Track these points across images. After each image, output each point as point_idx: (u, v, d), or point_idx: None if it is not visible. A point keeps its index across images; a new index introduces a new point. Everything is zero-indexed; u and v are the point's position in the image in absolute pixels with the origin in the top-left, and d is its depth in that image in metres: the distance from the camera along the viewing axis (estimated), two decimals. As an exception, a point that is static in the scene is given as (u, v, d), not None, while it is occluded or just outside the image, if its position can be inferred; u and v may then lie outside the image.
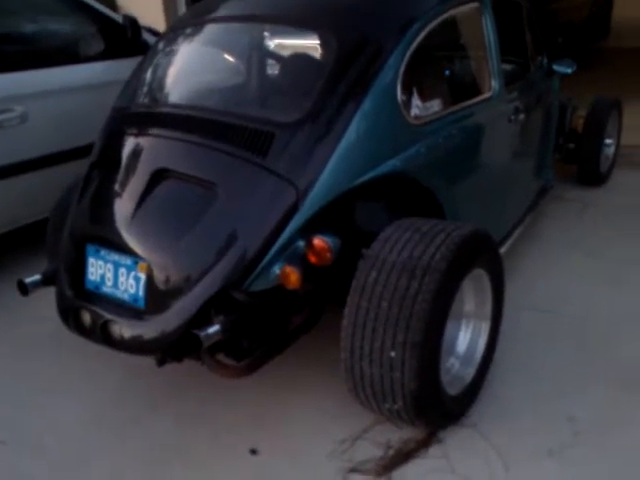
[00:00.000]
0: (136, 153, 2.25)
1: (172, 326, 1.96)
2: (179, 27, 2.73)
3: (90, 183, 2.35)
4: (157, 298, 2.02)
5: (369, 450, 2.08)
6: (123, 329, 2.02)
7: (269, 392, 2.37)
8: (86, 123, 3.15)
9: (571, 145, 4.24)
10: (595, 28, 9.22)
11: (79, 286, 2.18)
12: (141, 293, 2.04)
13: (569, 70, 3.64)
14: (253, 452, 2.11)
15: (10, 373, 2.60)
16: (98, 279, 2.15)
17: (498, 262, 2.23)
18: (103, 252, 2.15)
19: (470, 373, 2.21)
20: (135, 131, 2.33)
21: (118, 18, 3.75)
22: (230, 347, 2.05)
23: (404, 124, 2.27)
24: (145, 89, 2.56)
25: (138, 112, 2.44)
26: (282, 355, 2.16)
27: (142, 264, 2.04)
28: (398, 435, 2.13)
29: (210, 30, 2.67)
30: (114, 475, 2.05)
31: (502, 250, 2.86)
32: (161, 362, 2.07)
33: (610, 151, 4.43)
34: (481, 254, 2.08)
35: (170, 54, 2.68)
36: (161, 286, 2.01)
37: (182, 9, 5.60)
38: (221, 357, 2.06)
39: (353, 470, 2.01)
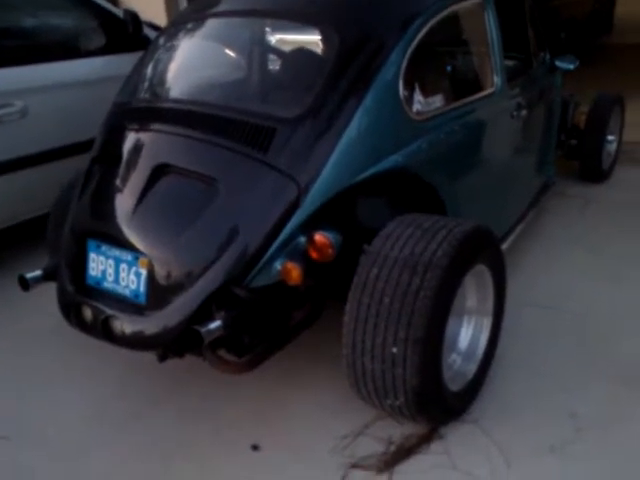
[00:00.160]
0: (137, 148, 2.24)
1: (173, 322, 1.96)
2: (180, 22, 2.72)
3: (91, 178, 2.34)
4: (158, 294, 2.01)
5: (371, 446, 2.08)
6: (124, 325, 2.01)
7: (270, 388, 2.37)
8: (86, 118, 3.14)
9: (573, 141, 4.23)
10: (598, 24, 9.18)
11: (80, 282, 2.18)
12: (142, 289, 2.04)
13: (571, 66, 3.63)
14: (255, 448, 2.11)
15: (12, 368, 2.60)
16: (99, 275, 2.14)
17: (500, 258, 2.23)
18: (104, 247, 2.14)
19: (472, 369, 2.21)
20: (136, 126, 2.32)
21: (119, 13, 3.75)
22: (231, 343, 2.04)
23: (406, 120, 2.27)
24: (146, 84, 2.55)
25: (139, 107, 2.44)
26: (283, 351, 2.16)
27: (143, 260, 2.04)
28: (400, 431, 2.13)
29: (211, 25, 2.66)
30: (115, 469, 2.05)
31: (504, 246, 2.85)
32: (162, 358, 2.07)
33: (612, 147, 4.42)
34: (483, 250, 2.08)
35: (171, 49, 2.67)
36: (162, 282, 2.01)
37: (183, 4, 5.59)
38: (222, 353, 2.06)
39: (355, 466, 2.01)
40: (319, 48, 2.46)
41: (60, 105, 3.34)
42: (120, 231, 2.11)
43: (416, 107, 2.36)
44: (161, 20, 4.85)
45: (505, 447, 2.05)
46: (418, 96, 2.39)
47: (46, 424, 2.26)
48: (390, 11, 2.35)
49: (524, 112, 3.04)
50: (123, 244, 2.09)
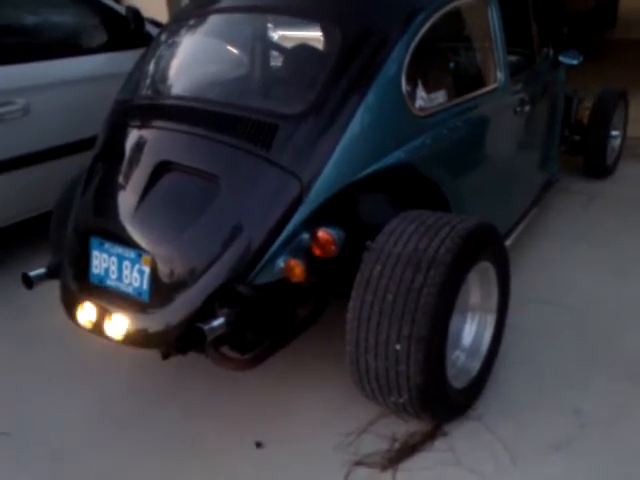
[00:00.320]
0: (139, 145, 2.24)
1: (176, 319, 1.95)
2: (182, 18, 2.71)
3: (93, 176, 2.34)
4: (161, 291, 2.01)
5: (375, 443, 2.08)
6: (127, 322, 2.01)
7: (274, 385, 2.37)
8: (89, 115, 3.13)
9: (577, 137, 4.21)
10: (602, 19, 9.15)
11: (83, 279, 2.18)
12: (145, 286, 2.03)
13: (575, 61, 3.62)
14: (258, 445, 2.11)
15: (15, 366, 2.60)
16: (102, 272, 2.14)
17: (504, 255, 2.22)
18: (107, 245, 2.14)
19: (476, 366, 2.21)
20: (138, 123, 2.32)
21: (121, 10, 3.74)
22: (234, 340, 2.04)
23: (409, 116, 2.26)
24: (148, 81, 2.54)
25: (141, 104, 2.43)
26: (287, 348, 2.15)
27: (146, 257, 2.03)
28: (404, 428, 2.12)
29: (213, 21, 2.65)
30: (118, 467, 2.05)
31: (508, 243, 2.85)
32: (166, 355, 2.07)
33: (616, 143, 4.40)
34: (486, 247, 2.07)
35: (173, 45, 2.66)
36: (165, 279, 2.01)
37: (185, 0, 5.58)
38: (226, 350, 2.06)
39: (359, 463, 2.00)
40: (321, 44, 2.46)
41: (62, 103, 3.33)
42: (123, 228, 2.11)
43: (419, 103, 2.35)
44: (163, 17, 4.84)
45: (510, 444, 2.04)
46: (421, 92, 2.38)
47: (48, 421, 2.26)
48: (393, 6, 2.34)
49: (527, 108, 3.03)
50: (126, 241, 2.09)
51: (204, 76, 2.61)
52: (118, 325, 2.02)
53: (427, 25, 2.31)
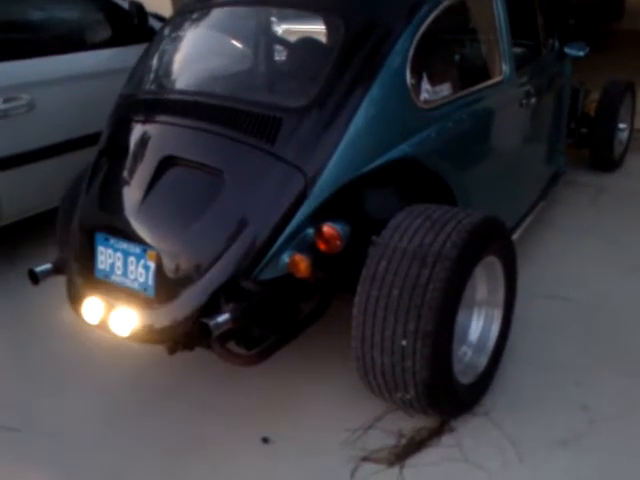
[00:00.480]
0: (143, 140, 2.23)
1: (182, 315, 1.95)
2: (185, 12, 2.70)
3: (98, 171, 2.34)
4: (166, 287, 2.00)
5: (381, 439, 2.07)
6: (133, 318, 2.01)
7: (280, 381, 2.36)
8: (94, 111, 3.12)
9: (583, 130, 4.19)
10: (608, 10, 9.08)
11: (89, 275, 2.18)
12: (151, 282, 2.03)
13: (581, 53, 3.58)
14: (265, 441, 2.10)
15: (24, 361, 2.60)
16: (108, 268, 2.14)
17: (510, 249, 2.20)
18: (112, 241, 2.13)
19: (483, 361, 2.19)
20: (142, 118, 2.31)
21: (124, 5, 3.72)
22: (240, 335, 2.04)
23: (413, 109, 2.24)
24: (152, 76, 2.53)
25: (145, 99, 2.42)
26: (293, 343, 2.14)
27: (151, 252, 2.03)
28: (410, 424, 2.12)
29: (216, 15, 2.64)
30: (126, 463, 2.05)
31: (514, 237, 2.82)
32: (172, 350, 2.06)
33: (624, 135, 4.37)
34: (493, 241, 2.05)
35: (176, 40, 2.65)
36: (170, 275, 2.00)
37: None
38: (232, 345, 2.05)
39: (365, 459, 2.00)
40: (325, 37, 2.44)
41: (67, 98, 3.32)
42: (128, 224, 2.10)
43: (424, 96, 2.33)
44: (166, 11, 4.82)
45: (517, 440, 2.03)
46: (426, 84, 2.36)
47: (57, 417, 2.26)
48: (397, -2, 2.32)
49: (533, 100, 3.00)
50: (131, 237, 2.09)
51: (208, 70, 2.60)
52: (123, 321, 2.01)
53: (431, 17, 2.29)
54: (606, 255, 3.17)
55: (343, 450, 2.04)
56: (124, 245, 2.10)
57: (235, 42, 2.89)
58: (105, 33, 3.64)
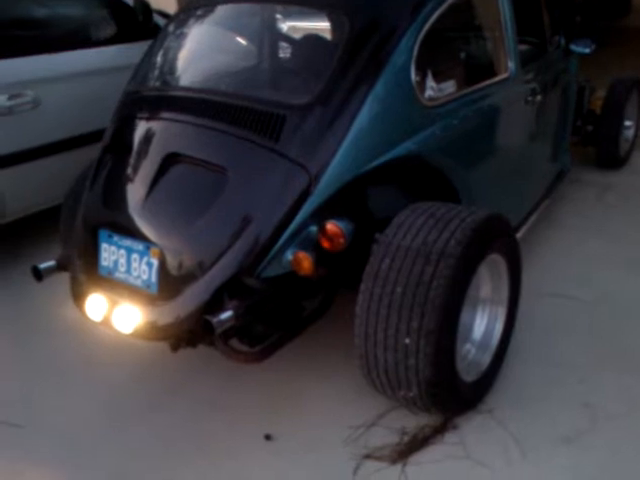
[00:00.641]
0: (147, 137, 2.23)
1: (185, 312, 1.95)
2: (189, 9, 2.69)
3: (102, 168, 2.34)
4: (170, 284, 2.01)
5: (384, 436, 2.07)
6: (136, 315, 2.01)
7: (283, 378, 2.36)
8: (99, 108, 3.13)
9: (589, 127, 4.16)
10: (615, 7, 9.02)
11: (92, 272, 2.18)
12: (154, 279, 2.03)
13: (587, 50, 3.57)
14: (267, 438, 2.11)
15: (27, 358, 2.61)
16: (111, 265, 2.14)
17: (515, 247, 2.19)
18: (116, 238, 2.14)
19: (486, 359, 2.19)
20: (146, 115, 2.31)
21: (129, 1, 3.72)
22: (244, 332, 2.04)
23: (418, 106, 2.23)
24: (156, 72, 2.53)
25: (149, 96, 2.42)
26: (296, 340, 2.14)
27: (154, 249, 2.03)
28: (413, 421, 2.11)
29: (221, 11, 2.63)
30: (129, 460, 2.06)
31: (519, 235, 2.82)
32: (175, 348, 2.07)
33: (630, 133, 4.35)
34: (497, 239, 2.05)
35: (180, 36, 2.65)
36: (174, 272, 2.00)
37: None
38: (235, 342, 2.05)
39: (368, 456, 2.00)
40: (330, 34, 2.43)
41: (72, 95, 3.33)
42: (131, 221, 2.10)
43: (428, 93, 2.32)
44: (171, 8, 4.81)
45: (520, 437, 2.03)
46: (430, 82, 2.35)
47: (59, 415, 2.27)
48: (401, -5, 2.31)
49: (539, 97, 2.99)
50: (134, 234, 2.09)
51: (212, 67, 2.60)
52: (127, 318, 2.02)
53: (436, 14, 2.28)
54: (611, 253, 3.16)
55: (346, 447, 2.04)
56: (128, 242, 2.10)
57: (239, 39, 2.88)
58: (110, 30, 3.64)
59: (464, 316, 1.97)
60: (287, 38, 2.90)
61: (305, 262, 1.96)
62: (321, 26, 2.53)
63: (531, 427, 2.07)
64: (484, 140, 2.66)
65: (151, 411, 2.26)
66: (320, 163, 2.00)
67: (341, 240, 1.99)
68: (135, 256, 2.08)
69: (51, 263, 2.32)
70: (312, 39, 2.62)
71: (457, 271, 1.83)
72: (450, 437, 2.05)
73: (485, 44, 2.97)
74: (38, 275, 2.29)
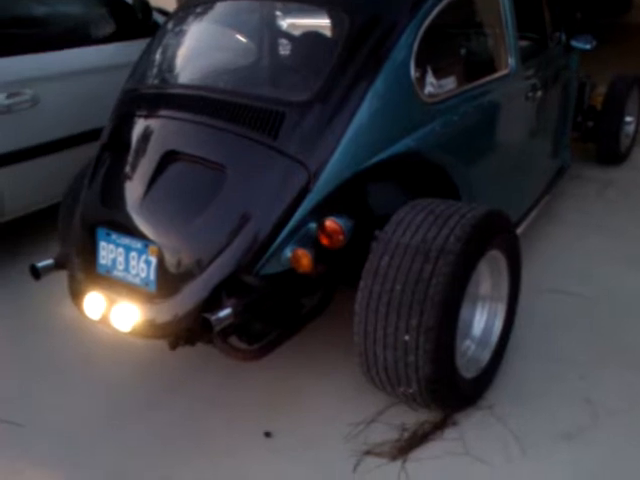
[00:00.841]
0: (146, 135, 2.23)
1: (183, 310, 1.95)
2: (188, 6, 2.69)
3: (100, 166, 2.33)
4: (168, 282, 2.00)
5: (384, 433, 2.07)
6: (134, 313, 2.01)
7: (282, 375, 2.36)
8: (97, 106, 3.12)
9: (590, 123, 4.16)
10: (616, 3, 9.00)
11: (90, 270, 2.18)
12: (152, 277, 2.03)
13: (588, 46, 3.56)
14: (267, 435, 2.10)
15: (26, 357, 2.61)
16: (109, 263, 2.14)
17: (515, 243, 2.19)
18: (114, 236, 2.13)
19: (486, 356, 2.19)
20: (145, 113, 2.30)
21: (128, -1, 3.72)
22: (242, 330, 2.03)
23: (418, 102, 2.22)
24: (155, 70, 2.52)
25: (148, 93, 2.41)
26: (295, 338, 2.14)
27: (153, 247, 2.03)
28: (413, 417, 2.11)
29: (220, 9, 2.62)
30: (128, 458, 2.06)
31: (519, 231, 2.80)
32: (173, 346, 2.06)
33: (630, 129, 4.35)
34: (497, 235, 2.04)
35: (179, 34, 2.64)
36: (172, 270, 2.00)
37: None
38: (233, 340, 2.05)
39: (368, 453, 1.99)
40: (329, 30, 2.42)
41: (71, 93, 3.32)
42: (129, 219, 2.10)
43: (428, 89, 2.31)
44: (170, 6, 4.80)
45: (520, 434, 2.02)
46: (430, 78, 2.34)
47: (59, 414, 2.26)
48: (401, -9, 2.30)
49: (539, 94, 2.98)
50: (133, 232, 2.08)
51: (211, 64, 2.59)
52: (125, 316, 2.01)
53: (436, 10, 2.27)
54: (612, 249, 3.15)
55: (346, 444, 2.03)
56: (126, 240, 2.10)
57: (238, 36, 2.88)
58: (109, 28, 3.63)
59: (464, 312, 1.96)
60: (286, 35, 2.89)
61: (304, 259, 1.95)
62: (320, 23, 2.52)
63: (531, 423, 2.07)
64: (484, 136, 2.65)
65: (150, 409, 2.25)
66: (319, 160, 1.99)
67: (340, 237, 1.98)
68: (133, 254, 2.07)
69: (49, 261, 2.31)
70: (311, 36, 2.62)
71: (457, 268, 1.82)
72: (450, 433, 2.05)
73: (485, 40, 2.96)
74: (36, 273, 2.29)
